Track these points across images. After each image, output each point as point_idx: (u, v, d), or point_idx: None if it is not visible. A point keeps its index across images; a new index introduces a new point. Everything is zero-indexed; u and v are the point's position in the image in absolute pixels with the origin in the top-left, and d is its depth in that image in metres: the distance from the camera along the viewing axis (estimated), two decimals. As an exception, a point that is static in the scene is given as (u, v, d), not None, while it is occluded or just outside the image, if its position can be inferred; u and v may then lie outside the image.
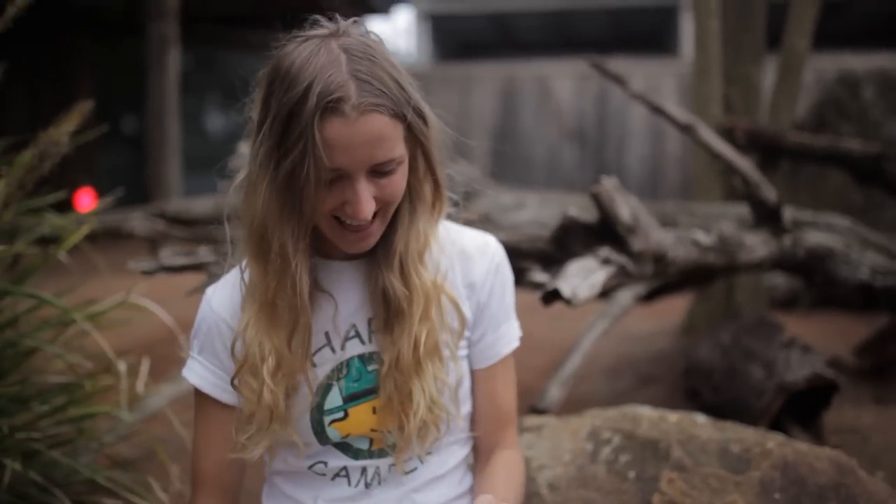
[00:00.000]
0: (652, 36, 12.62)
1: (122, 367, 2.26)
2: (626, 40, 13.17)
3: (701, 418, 1.97)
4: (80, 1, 8.12)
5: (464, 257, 1.35)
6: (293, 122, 1.10)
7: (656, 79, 9.87)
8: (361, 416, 1.30)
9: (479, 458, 1.43)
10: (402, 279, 1.24)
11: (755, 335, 3.00)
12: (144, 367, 2.39)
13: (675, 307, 4.16)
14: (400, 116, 1.14)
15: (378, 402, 1.29)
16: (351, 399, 1.30)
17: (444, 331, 1.29)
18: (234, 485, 1.37)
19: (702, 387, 3.03)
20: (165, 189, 5.93)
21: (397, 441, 1.29)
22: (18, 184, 1.89)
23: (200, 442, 1.34)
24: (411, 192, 1.24)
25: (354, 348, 1.29)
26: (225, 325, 1.30)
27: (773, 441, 1.83)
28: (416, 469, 1.35)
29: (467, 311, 1.35)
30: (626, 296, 2.87)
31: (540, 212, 2.81)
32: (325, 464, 1.33)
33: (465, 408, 1.37)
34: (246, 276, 1.26)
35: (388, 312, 1.25)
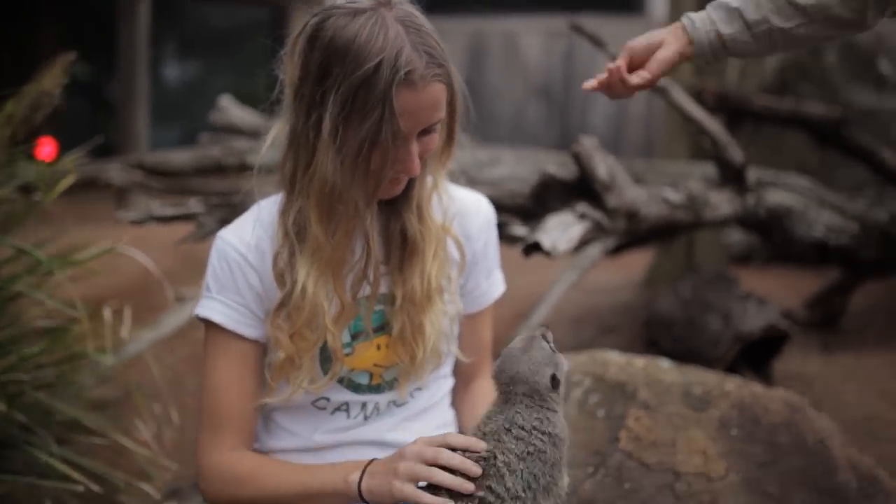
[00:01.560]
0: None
1: (106, 313, 2.32)
2: (594, -1, 13.14)
3: (665, 363, 2.09)
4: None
5: (461, 213, 1.48)
6: (366, 93, 1.22)
7: (623, 38, 9.90)
8: (366, 353, 1.40)
9: (459, 387, 1.58)
10: (420, 220, 1.37)
11: (713, 288, 3.14)
12: (127, 313, 2.44)
13: (639, 261, 4.29)
14: (448, 83, 1.29)
15: (387, 339, 1.40)
16: (358, 336, 1.40)
17: (449, 269, 1.42)
18: (253, 420, 1.43)
19: (661, 337, 3.17)
20: (134, 141, 5.87)
21: (407, 370, 1.40)
22: (11, 134, 1.91)
23: (221, 381, 1.39)
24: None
25: (364, 289, 1.38)
26: (246, 263, 1.38)
27: (732, 384, 1.96)
28: (407, 402, 1.47)
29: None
30: (594, 249, 2.98)
31: (515, 168, 2.90)
32: (328, 399, 1.42)
33: (455, 345, 1.48)
34: (267, 213, 1.38)
35: (404, 251, 1.38)
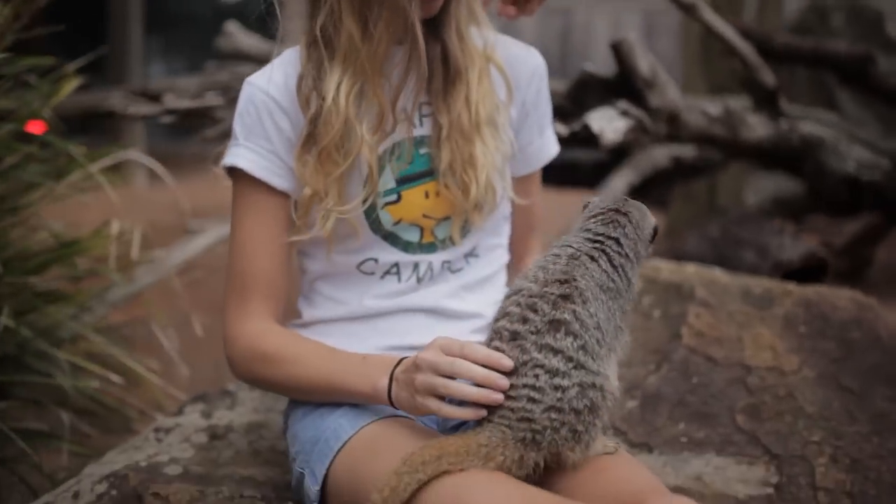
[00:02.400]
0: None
1: (114, 226, 2.17)
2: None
3: (717, 270, 1.97)
4: None
5: (510, 58, 1.36)
6: None
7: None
8: (414, 200, 1.28)
9: (510, 264, 1.45)
10: (460, 42, 1.27)
11: (744, 226, 3.03)
12: (136, 235, 2.30)
13: (656, 214, 4.18)
14: None
15: (435, 185, 1.28)
16: (404, 182, 1.28)
17: (496, 100, 1.30)
18: (283, 288, 1.30)
19: (691, 277, 3.05)
20: (127, 68, 5.63)
21: (461, 208, 1.28)
22: (13, 15, 1.77)
23: (248, 238, 1.27)
24: None
25: (405, 130, 1.27)
26: (276, 106, 1.26)
27: (792, 286, 1.85)
28: (462, 269, 1.35)
29: (511, 108, 1.36)
30: (618, 182, 2.87)
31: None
32: (376, 260, 1.29)
33: (509, 199, 1.36)
34: (296, 53, 1.27)
35: (447, 77, 1.26)
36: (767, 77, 2.70)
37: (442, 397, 1.08)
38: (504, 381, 1.05)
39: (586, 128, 1.75)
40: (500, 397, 1.06)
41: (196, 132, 1.97)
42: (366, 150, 1.22)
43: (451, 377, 1.07)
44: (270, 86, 1.27)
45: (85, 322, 2.12)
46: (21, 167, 2.01)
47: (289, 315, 1.36)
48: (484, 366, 1.06)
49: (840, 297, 1.77)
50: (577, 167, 4.90)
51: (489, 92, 1.29)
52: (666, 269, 1.91)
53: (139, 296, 2.46)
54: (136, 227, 2.29)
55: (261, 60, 3.02)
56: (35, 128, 2.33)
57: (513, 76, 1.34)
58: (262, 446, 1.51)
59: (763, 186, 4.15)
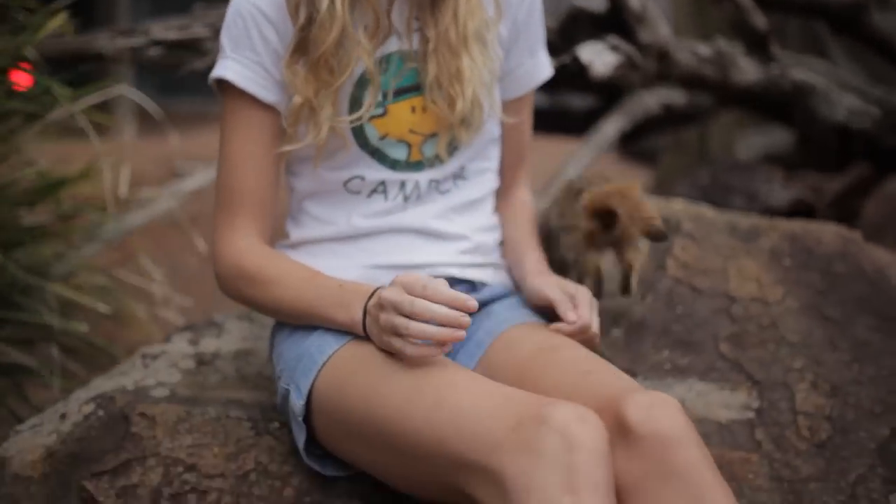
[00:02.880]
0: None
1: (104, 167, 2.16)
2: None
3: (705, 206, 1.97)
4: None
5: None
6: None
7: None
8: (401, 115, 1.28)
9: (498, 193, 1.46)
10: None
11: (734, 173, 3.03)
12: (125, 173, 2.28)
13: (648, 175, 4.18)
14: None
15: (422, 100, 1.28)
16: (389, 95, 1.28)
17: (484, 16, 1.29)
18: (271, 204, 1.31)
19: (681, 224, 3.06)
20: (115, 12, 5.56)
21: (447, 123, 1.28)
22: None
23: (235, 152, 1.28)
24: None
25: (393, 44, 1.28)
26: (261, 16, 1.26)
27: (779, 220, 1.85)
28: (450, 190, 1.35)
29: (502, 27, 1.35)
30: (609, 127, 2.86)
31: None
32: (363, 178, 1.30)
33: (497, 119, 1.35)
34: None
35: None
36: (759, 20, 2.68)
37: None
38: (466, 320, 1.06)
39: (576, 60, 1.75)
40: (461, 335, 1.07)
41: (183, 66, 1.94)
42: (364, 57, 1.22)
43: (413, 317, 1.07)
44: None
45: (74, 260, 2.12)
46: (2, 102, 2.00)
47: (277, 236, 1.37)
48: (449, 306, 1.06)
49: (825, 232, 1.78)
50: (568, 114, 4.90)
51: (477, 7, 1.28)
52: (653, 202, 1.91)
53: (129, 237, 2.45)
54: (125, 166, 2.28)
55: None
56: (20, 78, 2.31)
57: None
58: (249, 372, 1.52)
59: (754, 141, 4.15)
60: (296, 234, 1.36)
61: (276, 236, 1.37)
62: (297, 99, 1.24)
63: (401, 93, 1.29)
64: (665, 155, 3.95)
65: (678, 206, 1.91)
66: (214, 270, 1.31)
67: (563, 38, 2.06)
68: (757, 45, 2.72)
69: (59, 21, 2.09)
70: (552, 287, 1.28)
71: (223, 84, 1.28)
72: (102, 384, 1.48)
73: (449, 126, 1.29)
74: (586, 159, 2.93)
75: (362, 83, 1.27)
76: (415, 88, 1.29)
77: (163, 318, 2.39)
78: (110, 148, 2.36)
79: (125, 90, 2.02)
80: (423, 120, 1.29)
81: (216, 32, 1.91)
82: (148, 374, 1.47)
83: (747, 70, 2.59)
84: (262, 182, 1.29)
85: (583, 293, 1.27)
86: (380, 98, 1.27)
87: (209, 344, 1.59)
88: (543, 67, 1.43)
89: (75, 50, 2.69)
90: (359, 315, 1.16)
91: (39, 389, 2.02)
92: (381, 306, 1.11)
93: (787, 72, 2.82)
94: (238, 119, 1.28)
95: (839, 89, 3.07)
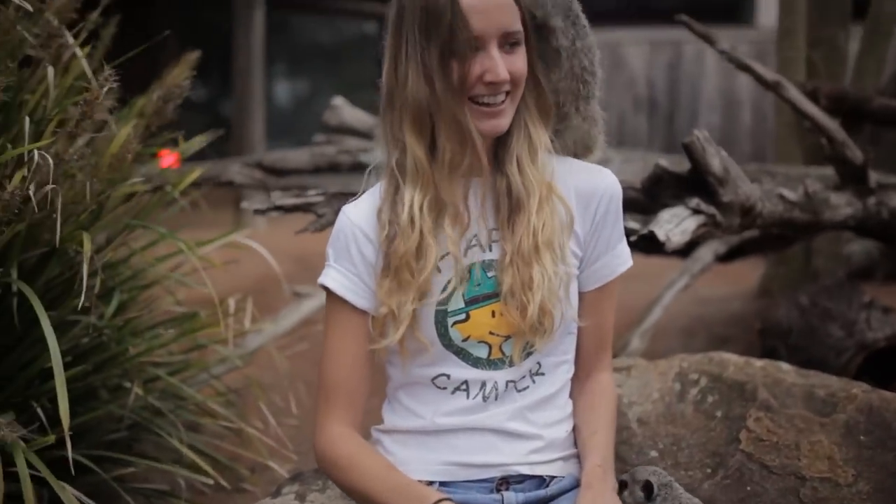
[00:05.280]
0: (727, 5, 12.34)
1: (231, 303, 2.42)
2: (700, 9, 12.89)
3: (786, 366, 2.02)
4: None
5: (583, 178, 1.49)
6: (435, 6, 1.32)
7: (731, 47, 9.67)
8: (481, 319, 1.43)
9: (577, 377, 1.56)
10: (521, 175, 1.42)
11: (834, 297, 3.03)
12: (249, 304, 2.54)
13: (750, 272, 4.18)
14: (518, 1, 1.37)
15: (498, 305, 1.42)
16: (472, 302, 1.43)
17: (557, 228, 1.43)
18: (362, 396, 1.48)
19: (779, 346, 3.07)
20: (249, 144, 6.10)
21: (518, 327, 1.41)
22: (145, 126, 2.04)
23: (333, 349, 1.47)
24: (524, 101, 1.43)
25: (476, 255, 1.43)
26: (361, 234, 1.44)
27: (858, 388, 1.88)
28: (528, 388, 1.47)
29: (578, 228, 1.48)
30: (705, 252, 2.93)
31: (621, 167, 2.87)
32: (448, 376, 1.45)
33: (572, 319, 1.48)
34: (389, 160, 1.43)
35: (511, 206, 1.42)
36: (854, 154, 2.71)
37: None
38: None
39: (653, 234, 1.85)
40: None
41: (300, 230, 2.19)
42: (450, 244, 1.39)
43: None
44: (357, 216, 1.46)
45: (199, 385, 2.38)
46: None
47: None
48: None
49: (905, 404, 1.80)
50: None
51: (549, 218, 1.42)
52: (733, 364, 1.98)
53: (251, 359, 2.71)
54: (249, 299, 2.54)
55: (365, 134, 3.29)
56: (169, 160, 2.63)
57: (583, 197, 1.47)
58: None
59: (860, 247, 4.09)
60: (389, 420, 1.52)
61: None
62: (384, 309, 1.41)
63: (482, 300, 1.43)
64: (769, 263, 3.95)
65: (757, 367, 1.97)
66: (313, 449, 1.49)
67: (648, 196, 2.16)
68: (852, 177, 2.75)
69: (197, 173, 2.38)
70: None
71: (326, 288, 1.47)
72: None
73: (521, 331, 1.41)
74: (682, 283, 3.01)
75: (447, 293, 1.41)
76: (494, 295, 1.43)
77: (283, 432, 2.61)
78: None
79: (246, 240, 2.27)
80: (501, 323, 1.42)
81: (328, 198, 2.16)
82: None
83: (840, 207, 2.61)
84: (355, 376, 1.46)
85: None
86: (462, 305, 1.42)
87: (315, 499, 1.76)
88: (622, 260, 1.52)
89: (209, 176, 3.03)
90: None
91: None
92: None
93: (886, 200, 2.81)
94: (337, 320, 1.47)
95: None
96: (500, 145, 1.43)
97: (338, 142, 3.18)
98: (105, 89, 1.59)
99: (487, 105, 1.37)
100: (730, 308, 3.95)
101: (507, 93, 1.38)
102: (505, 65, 1.35)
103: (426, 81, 1.34)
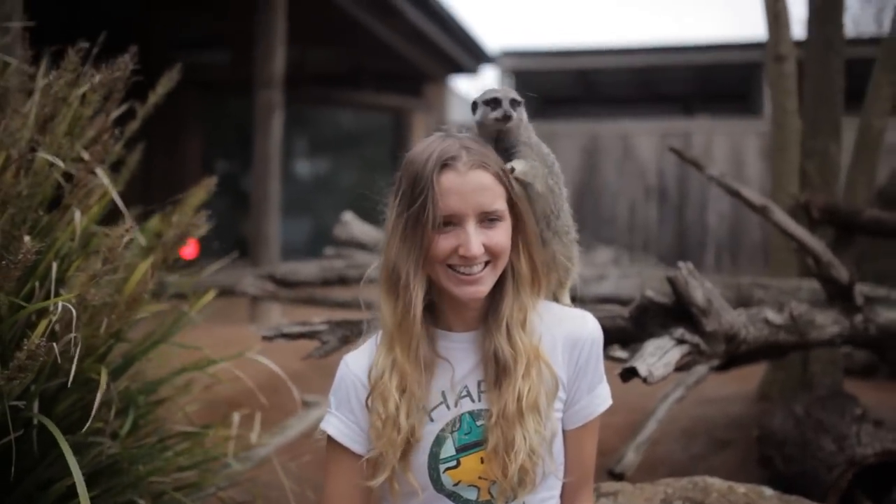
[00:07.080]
0: (737, 92, 12.64)
1: (235, 418, 2.54)
2: (710, 96, 13.22)
3: (768, 492, 2.10)
4: (188, 60, 8.71)
5: (568, 327, 1.60)
6: (418, 180, 1.47)
7: (739, 138, 9.92)
8: (471, 465, 1.54)
9: None
10: (509, 342, 1.53)
11: (828, 408, 3.09)
12: (257, 419, 2.66)
13: (752, 372, 4.23)
14: (502, 180, 1.51)
15: (485, 453, 1.52)
16: (463, 449, 1.54)
17: (542, 390, 1.53)
18: None
19: (774, 455, 3.13)
20: (267, 245, 6.33)
21: (500, 484, 1.51)
22: (163, 259, 2.20)
23: (333, 489, 1.58)
24: (513, 269, 1.55)
25: (466, 405, 1.55)
26: (360, 384, 1.57)
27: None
28: None
29: (562, 374, 1.58)
30: (702, 367, 3.01)
31: (619, 283, 3.00)
32: None
33: (559, 465, 1.58)
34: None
35: (497, 370, 1.53)
36: (841, 273, 2.82)
37: None
38: None
39: (635, 370, 1.96)
40: None
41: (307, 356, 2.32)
42: (416, 388, 1.50)
43: None
44: (357, 368, 1.59)
45: (205, 498, 2.48)
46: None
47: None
48: None
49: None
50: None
51: (535, 382, 1.52)
52: (716, 491, 2.06)
53: (258, 467, 2.81)
54: (257, 413, 2.65)
55: (373, 248, 3.44)
56: (188, 251, 2.78)
57: (568, 345, 1.58)
58: None
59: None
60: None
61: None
62: (374, 452, 1.53)
63: (471, 447, 1.54)
64: (768, 367, 4.01)
65: (740, 492, 2.05)
66: None
67: (636, 325, 2.28)
68: (839, 295, 2.85)
69: (211, 295, 2.52)
70: None
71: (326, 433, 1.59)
72: None
73: (504, 487, 1.52)
74: (678, 395, 3.10)
75: (439, 441, 1.54)
76: (484, 442, 1.53)
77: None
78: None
79: (255, 356, 2.40)
80: (489, 469, 1.53)
81: (333, 327, 2.29)
82: None
83: (826, 326, 2.71)
84: None
85: None
86: (453, 452, 1.53)
87: None
88: (601, 400, 1.62)
89: (225, 287, 3.18)
90: None
91: None
92: None
93: (873, 317, 2.90)
94: (336, 462, 1.59)
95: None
96: (491, 308, 1.55)
97: (347, 256, 3.35)
98: (125, 239, 1.74)
99: (464, 274, 1.50)
100: (731, 410, 4.01)
101: (488, 262, 1.50)
102: (483, 239, 1.48)
103: (399, 241, 1.49)
